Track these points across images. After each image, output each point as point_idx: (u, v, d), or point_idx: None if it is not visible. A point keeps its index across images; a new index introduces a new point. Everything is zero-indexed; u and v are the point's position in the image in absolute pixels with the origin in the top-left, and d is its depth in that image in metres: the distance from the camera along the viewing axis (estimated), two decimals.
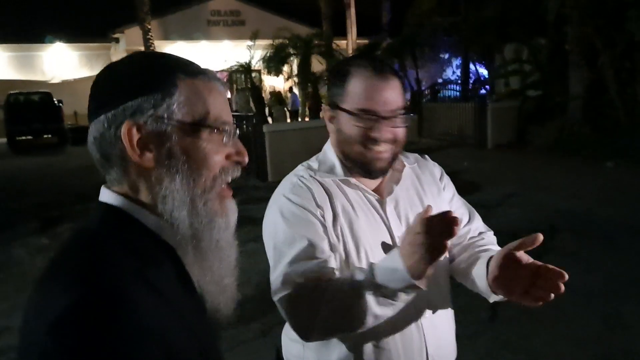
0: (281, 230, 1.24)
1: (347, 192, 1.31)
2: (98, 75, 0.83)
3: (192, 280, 0.87)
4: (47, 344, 0.63)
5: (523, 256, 1.12)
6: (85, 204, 8.23)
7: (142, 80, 0.79)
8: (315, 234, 1.23)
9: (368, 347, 1.28)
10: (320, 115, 1.39)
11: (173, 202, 0.78)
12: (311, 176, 1.32)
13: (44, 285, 0.73)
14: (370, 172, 1.29)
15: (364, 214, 1.30)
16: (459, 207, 1.46)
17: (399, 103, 1.26)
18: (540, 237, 1.05)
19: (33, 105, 17.51)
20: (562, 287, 1.06)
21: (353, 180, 1.31)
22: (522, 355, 3.31)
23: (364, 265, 1.25)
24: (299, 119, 16.50)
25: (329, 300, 1.13)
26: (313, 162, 1.39)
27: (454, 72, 22.38)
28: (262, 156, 9.16)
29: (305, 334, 1.19)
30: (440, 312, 1.37)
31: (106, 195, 0.81)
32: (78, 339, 0.62)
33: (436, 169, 1.48)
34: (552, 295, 1.08)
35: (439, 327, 1.36)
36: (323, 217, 1.25)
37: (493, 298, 1.24)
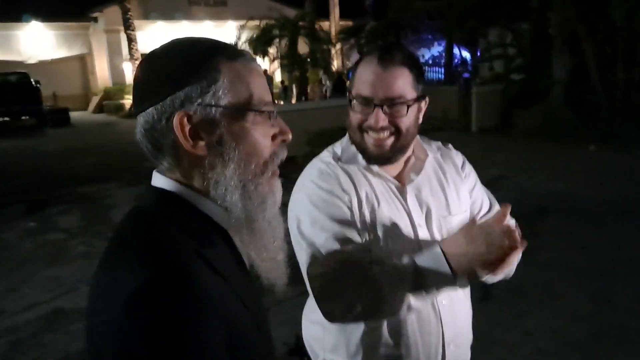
0: (310, 216, 1.26)
1: (370, 179, 1.33)
2: (140, 67, 0.84)
3: (244, 261, 0.90)
4: (123, 322, 0.66)
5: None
6: (69, 188, 8.15)
7: (186, 69, 0.79)
8: (344, 218, 1.25)
9: (385, 332, 1.30)
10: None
11: (226, 187, 0.80)
12: (337, 163, 1.34)
13: (110, 266, 0.75)
14: (369, 159, 1.30)
15: (386, 201, 1.32)
16: (479, 196, 1.46)
17: (400, 92, 1.24)
18: (508, 208, 1.12)
19: (10, 86, 17.04)
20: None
21: (375, 167, 1.33)
22: (515, 333, 3.42)
23: (386, 251, 1.27)
24: (281, 99, 16.37)
25: (367, 290, 1.17)
26: (337, 147, 1.40)
27: (435, 56, 22.42)
28: None
29: (333, 317, 1.23)
30: (458, 298, 1.38)
31: (160, 180, 0.83)
32: (152, 315, 0.65)
33: (458, 158, 1.48)
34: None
35: (457, 313, 1.38)
36: (350, 202, 1.28)
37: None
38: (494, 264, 1.09)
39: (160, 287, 0.67)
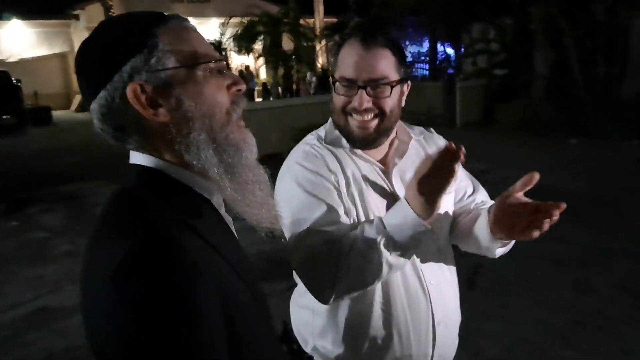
0: (298, 197, 1.25)
1: (357, 161, 1.33)
2: (78, 56, 0.82)
3: (230, 229, 0.91)
4: (113, 292, 0.66)
5: (522, 197, 1.17)
6: (52, 187, 8.05)
7: (124, 43, 0.79)
8: (332, 199, 1.25)
9: (376, 313, 1.30)
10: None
11: (197, 146, 0.80)
12: (322, 144, 1.34)
13: (97, 243, 0.75)
14: (354, 142, 1.30)
15: (372, 183, 1.32)
16: (463, 179, 1.48)
17: (383, 73, 1.24)
18: (537, 175, 1.13)
19: None
20: (557, 215, 1.12)
21: (358, 151, 1.33)
22: (499, 322, 3.46)
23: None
24: (262, 99, 16.30)
25: (346, 257, 1.16)
26: (321, 131, 1.40)
27: (420, 53, 22.51)
28: None
29: (324, 295, 1.21)
30: (445, 278, 1.40)
31: (137, 158, 0.83)
32: (141, 283, 0.65)
33: (441, 141, 1.49)
34: (547, 225, 1.13)
35: (445, 293, 1.39)
36: (337, 182, 1.27)
37: (497, 251, 1.30)
38: (443, 183, 1.07)
39: (146, 256, 0.67)
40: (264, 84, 16.22)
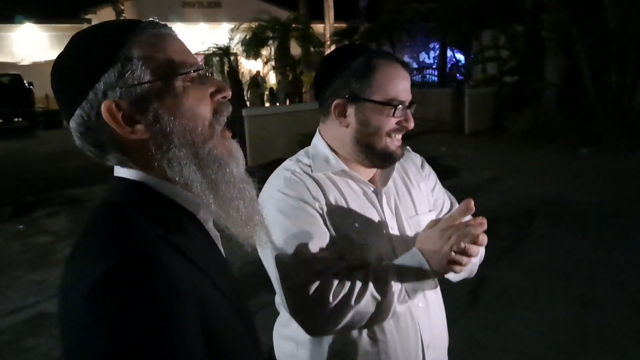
0: (282, 226, 1.21)
1: (340, 184, 1.30)
2: (52, 75, 0.80)
3: (216, 244, 0.88)
4: (86, 314, 0.63)
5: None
6: (60, 190, 8.11)
7: (96, 58, 0.76)
8: (317, 226, 1.22)
9: (364, 340, 1.27)
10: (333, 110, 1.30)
11: (179, 162, 0.78)
12: (303, 171, 1.30)
13: (75, 259, 0.73)
14: (392, 162, 1.32)
15: (358, 205, 1.30)
16: (440, 196, 1.48)
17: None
18: (472, 203, 1.14)
19: (2, 88, 17.00)
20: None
21: (349, 170, 1.30)
22: (502, 336, 3.40)
23: (360, 256, 1.25)
24: (269, 104, 16.33)
25: (357, 301, 1.15)
26: (302, 157, 1.35)
27: (430, 58, 22.46)
28: (241, 140, 9.07)
29: (319, 331, 1.21)
30: (432, 300, 1.38)
31: (121, 170, 0.81)
32: (115, 303, 0.63)
33: (417, 159, 1.50)
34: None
35: (432, 315, 1.37)
36: (321, 208, 1.25)
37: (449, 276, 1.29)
38: (458, 258, 1.11)
39: (124, 274, 0.65)
40: (271, 89, 16.26)
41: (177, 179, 0.78)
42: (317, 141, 1.35)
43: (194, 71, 0.80)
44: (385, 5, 19.37)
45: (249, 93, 16.71)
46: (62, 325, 0.69)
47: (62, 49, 0.80)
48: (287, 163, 1.36)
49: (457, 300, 3.73)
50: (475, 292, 3.93)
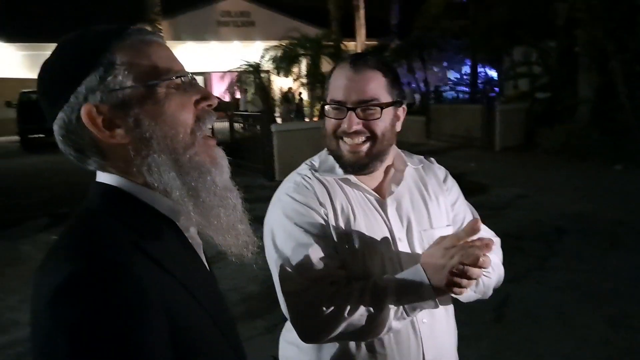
0: (285, 230, 1.22)
1: (348, 191, 1.30)
2: (38, 77, 0.80)
3: (197, 253, 0.87)
4: (46, 319, 0.63)
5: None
6: None
7: (79, 61, 0.76)
8: (321, 232, 1.22)
9: (363, 352, 1.26)
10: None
11: (158, 168, 0.77)
12: (313, 175, 1.31)
13: (43, 266, 0.72)
14: (345, 167, 1.27)
15: (364, 213, 1.28)
16: (462, 211, 1.43)
17: (373, 95, 1.22)
18: (478, 224, 1.10)
19: None
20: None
21: (353, 178, 1.29)
22: (526, 356, 3.31)
23: (362, 265, 1.25)
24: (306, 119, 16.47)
25: (350, 313, 1.14)
26: (315, 160, 1.37)
27: (462, 75, 22.31)
28: (269, 155, 9.19)
29: (312, 340, 1.20)
30: (439, 316, 1.33)
31: (102, 176, 0.81)
32: (75, 309, 0.62)
33: (440, 172, 1.45)
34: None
35: (439, 331, 1.33)
36: (326, 215, 1.24)
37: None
38: (457, 280, 1.08)
39: (87, 280, 0.64)
40: (297, 105, 16.41)
41: (156, 185, 0.78)
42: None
43: (177, 77, 0.79)
44: (416, 22, 19.39)
45: (280, 109, 16.90)
46: (31, 330, 0.68)
47: (51, 52, 0.80)
48: (302, 166, 1.37)
49: (480, 318, 3.66)
50: (500, 310, 3.85)
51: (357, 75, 1.22)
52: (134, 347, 0.62)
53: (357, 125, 1.22)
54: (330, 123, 1.27)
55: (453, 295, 1.17)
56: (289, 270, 1.19)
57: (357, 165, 1.26)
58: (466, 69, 21.65)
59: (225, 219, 0.84)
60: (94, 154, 0.78)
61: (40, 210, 7.81)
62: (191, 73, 0.83)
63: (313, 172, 1.32)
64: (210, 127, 0.84)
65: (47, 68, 0.79)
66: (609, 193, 7.34)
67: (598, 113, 10.98)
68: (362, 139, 1.24)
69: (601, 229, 5.72)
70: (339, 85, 1.24)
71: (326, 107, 1.27)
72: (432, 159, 1.49)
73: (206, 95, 0.83)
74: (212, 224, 0.82)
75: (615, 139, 9.88)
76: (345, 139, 1.24)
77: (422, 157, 1.48)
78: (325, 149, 1.36)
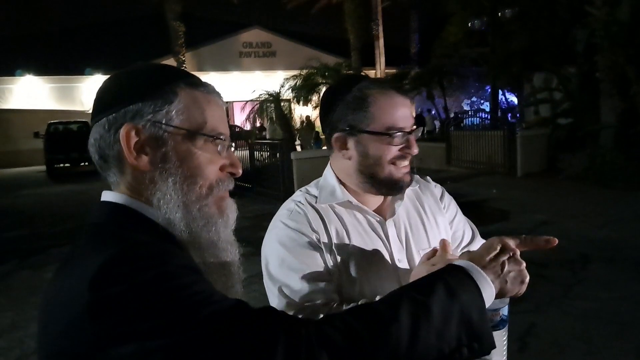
0: (278, 257, 1.24)
1: (343, 216, 1.30)
2: (104, 81, 0.87)
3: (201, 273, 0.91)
4: (91, 298, 0.65)
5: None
6: None
7: (143, 86, 0.82)
8: (314, 259, 1.23)
9: None
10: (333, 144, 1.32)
11: (167, 204, 0.81)
12: (308, 201, 1.32)
13: (63, 273, 0.75)
14: (400, 190, 1.29)
15: (361, 237, 1.29)
16: (461, 227, 1.44)
17: (413, 118, 1.29)
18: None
19: (71, 134, 18.10)
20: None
21: (355, 201, 1.30)
22: None
23: (360, 289, 1.24)
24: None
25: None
26: (312, 187, 1.38)
27: (482, 101, 22.30)
28: (289, 183, 9.28)
29: None
30: None
31: (109, 195, 0.85)
32: (122, 284, 0.65)
33: (437, 189, 1.47)
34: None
35: None
36: (319, 241, 1.25)
37: None
38: None
39: (128, 258, 0.68)
40: (316, 133, 16.54)
41: (160, 219, 0.81)
42: (327, 173, 1.38)
43: (218, 139, 0.85)
44: (435, 50, 19.57)
45: (300, 136, 17.06)
46: (50, 328, 0.71)
47: (127, 67, 0.89)
48: (297, 194, 1.38)
49: None
50: (523, 340, 3.77)
51: (405, 100, 1.28)
52: (206, 294, 0.69)
53: (417, 148, 1.28)
54: (389, 150, 1.26)
55: None
56: (283, 298, 1.20)
57: (407, 186, 1.31)
58: (486, 95, 21.67)
59: (225, 279, 0.88)
60: (114, 166, 0.84)
61: (65, 239, 7.94)
62: (232, 142, 0.89)
63: (307, 198, 1.33)
64: (229, 189, 0.89)
65: (116, 77, 0.87)
66: (635, 219, 7.19)
67: (621, 138, 10.84)
68: (408, 161, 1.29)
69: (627, 256, 5.59)
70: (395, 112, 1.25)
71: (379, 136, 1.25)
72: (428, 177, 1.51)
73: (234, 163, 0.89)
74: (207, 264, 0.85)
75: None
76: (402, 162, 1.27)
77: (417, 176, 1.48)
78: (324, 176, 1.37)
